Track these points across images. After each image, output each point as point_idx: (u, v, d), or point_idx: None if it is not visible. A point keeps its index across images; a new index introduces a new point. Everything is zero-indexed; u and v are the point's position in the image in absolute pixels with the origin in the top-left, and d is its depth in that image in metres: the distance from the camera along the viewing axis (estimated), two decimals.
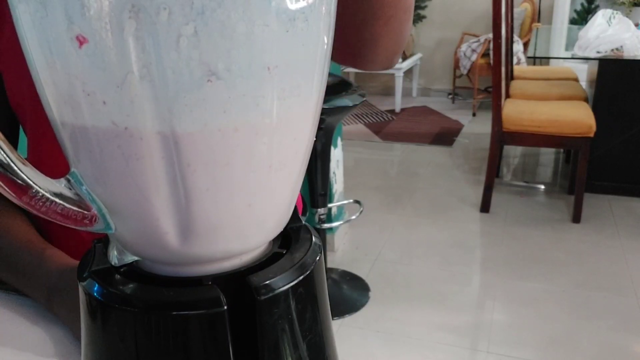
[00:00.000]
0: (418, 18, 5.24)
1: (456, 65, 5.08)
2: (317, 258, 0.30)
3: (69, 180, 0.26)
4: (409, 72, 5.27)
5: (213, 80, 0.22)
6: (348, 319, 2.07)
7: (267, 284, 0.27)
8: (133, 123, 0.23)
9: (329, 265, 2.43)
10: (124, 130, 0.23)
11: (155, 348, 0.26)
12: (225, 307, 0.26)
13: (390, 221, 2.84)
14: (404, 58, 4.92)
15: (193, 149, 0.23)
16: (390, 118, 4.79)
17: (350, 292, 2.24)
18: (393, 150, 4.07)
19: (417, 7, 5.20)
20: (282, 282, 0.27)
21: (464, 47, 4.89)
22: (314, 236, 0.32)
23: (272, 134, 0.25)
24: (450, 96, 5.39)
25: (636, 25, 2.99)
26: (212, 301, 0.26)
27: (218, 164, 0.24)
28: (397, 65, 4.75)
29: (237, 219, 0.26)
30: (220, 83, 0.22)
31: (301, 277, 0.28)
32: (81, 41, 0.21)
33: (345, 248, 2.59)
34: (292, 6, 0.23)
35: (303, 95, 0.26)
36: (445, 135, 4.31)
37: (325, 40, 0.26)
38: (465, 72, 4.92)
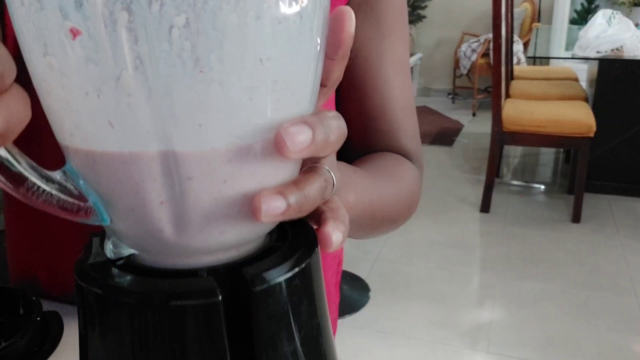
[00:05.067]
0: (418, 18, 5.25)
1: (456, 65, 5.08)
2: (314, 252, 0.30)
3: (64, 173, 0.26)
4: None
5: (205, 71, 0.22)
6: (348, 319, 2.07)
7: (262, 275, 0.27)
8: (128, 119, 0.23)
9: None
10: (120, 127, 0.23)
11: (151, 339, 0.26)
12: (220, 297, 0.26)
13: None
14: None
15: (188, 143, 0.23)
16: None
17: (350, 292, 2.24)
18: None
19: (417, 7, 5.20)
20: (278, 274, 0.27)
21: (464, 47, 4.89)
22: (311, 231, 0.31)
23: (266, 126, 0.25)
24: (450, 96, 5.39)
25: (636, 25, 2.99)
26: (207, 291, 0.26)
27: (213, 158, 0.24)
28: None
29: (232, 210, 0.26)
30: (212, 74, 0.22)
31: (297, 269, 0.28)
32: (75, 33, 0.21)
33: (345, 248, 2.58)
34: None
35: (297, 89, 0.26)
36: (445, 135, 4.31)
37: (319, 34, 0.26)
38: (465, 72, 4.92)
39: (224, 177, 0.25)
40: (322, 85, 0.29)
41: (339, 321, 2.04)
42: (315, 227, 0.31)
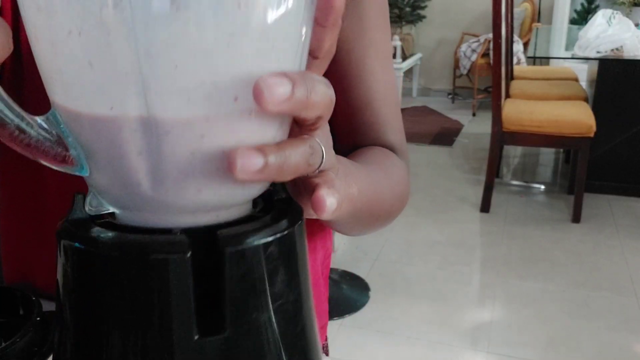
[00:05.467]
0: (418, 18, 5.25)
1: (456, 65, 5.08)
2: (296, 224, 0.29)
3: (48, 118, 0.26)
4: (409, 72, 5.27)
5: (182, 10, 0.22)
6: (348, 319, 2.07)
7: (236, 236, 0.26)
8: (107, 58, 0.23)
9: None
10: (99, 68, 0.23)
11: (119, 292, 0.26)
12: (190, 254, 0.25)
13: None
14: (404, 58, 4.92)
15: (164, 87, 0.23)
16: None
17: (350, 292, 2.24)
18: None
19: (417, 7, 5.20)
20: (253, 238, 0.27)
21: (464, 47, 4.89)
22: (298, 207, 0.31)
23: (244, 79, 0.24)
24: (450, 96, 5.39)
25: (636, 25, 2.99)
26: (176, 245, 0.26)
27: (191, 108, 0.24)
28: (397, 66, 4.75)
29: (210, 166, 0.26)
30: (189, 13, 0.22)
31: (275, 237, 0.28)
32: None
33: (345, 248, 2.59)
34: None
35: (279, 43, 0.25)
36: (445, 135, 4.31)
37: None
38: (465, 72, 4.92)
39: (202, 131, 0.24)
40: (314, 56, 0.28)
41: (339, 321, 2.04)
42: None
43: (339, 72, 0.56)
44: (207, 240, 0.27)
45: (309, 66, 0.29)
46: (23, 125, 0.24)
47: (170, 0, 0.22)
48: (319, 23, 0.27)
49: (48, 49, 0.24)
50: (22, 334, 0.48)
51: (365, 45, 0.57)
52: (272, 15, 0.24)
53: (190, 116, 0.24)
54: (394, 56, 4.77)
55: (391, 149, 0.59)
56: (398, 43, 4.81)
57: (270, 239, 0.27)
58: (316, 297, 0.71)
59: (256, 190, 0.29)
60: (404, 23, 5.21)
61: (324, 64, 0.30)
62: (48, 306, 0.55)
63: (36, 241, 0.60)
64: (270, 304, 0.28)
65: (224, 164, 0.25)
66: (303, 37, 0.27)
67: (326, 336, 0.73)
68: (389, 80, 0.59)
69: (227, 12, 0.23)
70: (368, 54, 0.57)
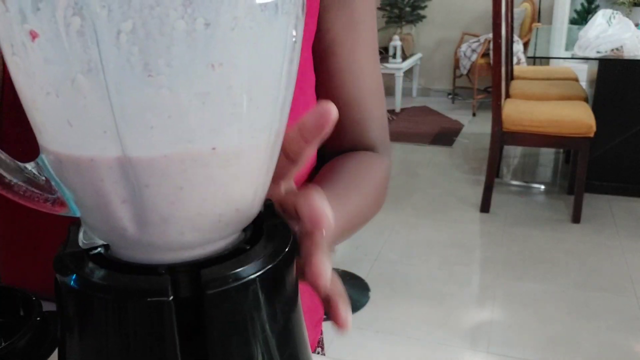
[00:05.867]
0: (418, 18, 5.24)
1: (456, 65, 5.08)
2: (281, 257, 0.29)
3: (37, 164, 0.27)
4: (409, 72, 5.27)
5: (154, 75, 0.22)
6: None
7: (217, 278, 0.27)
8: (85, 119, 0.23)
9: None
10: (78, 127, 0.24)
11: (109, 333, 0.27)
12: (172, 297, 0.26)
13: (390, 221, 2.84)
14: (404, 58, 4.91)
15: (141, 145, 0.24)
16: (390, 118, 4.79)
17: (350, 292, 2.23)
18: (393, 150, 4.06)
19: (417, 7, 5.20)
20: (236, 276, 0.27)
21: (464, 47, 4.89)
22: (286, 232, 0.31)
23: (221, 131, 0.25)
24: (450, 96, 5.39)
25: (636, 25, 2.99)
26: (158, 291, 0.26)
27: (167, 164, 0.24)
28: (397, 65, 4.75)
29: (190, 213, 0.26)
30: (161, 78, 0.22)
31: (261, 272, 0.28)
32: (34, 35, 0.22)
33: (345, 248, 2.59)
34: (240, 5, 0.23)
35: (256, 94, 0.25)
36: (445, 135, 4.31)
37: (283, 39, 0.25)
38: (465, 72, 4.92)
39: (180, 184, 0.25)
40: (292, 161, 0.30)
41: None
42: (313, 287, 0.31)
43: (331, 69, 0.58)
44: (192, 277, 0.27)
45: (285, 170, 0.31)
46: (14, 178, 0.25)
47: (142, 66, 0.22)
48: (305, 139, 0.29)
49: (30, 105, 0.25)
50: (22, 334, 0.48)
51: (355, 39, 0.58)
52: (250, 71, 0.24)
53: (167, 170, 0.24)
54: (394, 56, 4.77)
55: (373, 146, 0.61)
56: (398, 43, 4.81)
57: (254, 276, 0.28)
58: (312, 292, 0.71)
59: (240, 225, 0.30)
60: (404, 23, 5.21)
61: (299, 168, 0.31)
62: (48, 306, 0.55)
63: (30, 246, 0.60)
64: (256, 337, 0.28)
65: (204, 210, 0.26)
66: (285, 82, 0.27)
67: (321, 330, 0.73)
68: (376, 76, 0.61)
69: (201, 74, 0.23)
70: (358, 48, 0.58)
